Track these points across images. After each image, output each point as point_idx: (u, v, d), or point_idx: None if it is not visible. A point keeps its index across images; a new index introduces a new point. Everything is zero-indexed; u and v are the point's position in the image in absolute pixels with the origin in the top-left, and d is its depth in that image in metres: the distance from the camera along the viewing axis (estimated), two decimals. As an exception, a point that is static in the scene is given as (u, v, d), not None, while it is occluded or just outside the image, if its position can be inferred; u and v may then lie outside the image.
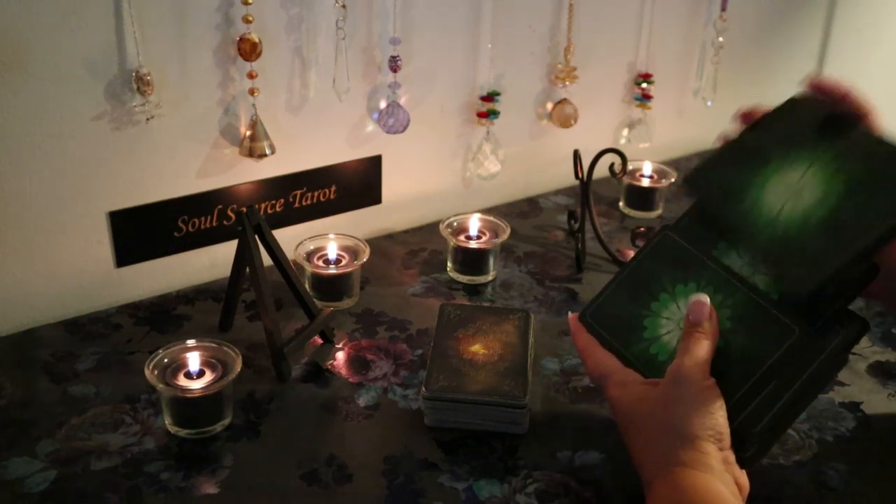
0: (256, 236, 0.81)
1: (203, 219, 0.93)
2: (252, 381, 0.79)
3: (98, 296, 0.90)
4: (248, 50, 0.86)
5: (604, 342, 0.69)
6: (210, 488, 0.67)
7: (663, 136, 1.31)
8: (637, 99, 1.24)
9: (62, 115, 0.81)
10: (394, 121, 0.99)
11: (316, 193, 1.01)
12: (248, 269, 0.82)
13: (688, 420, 0.59)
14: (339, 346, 0.86)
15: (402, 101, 1.00)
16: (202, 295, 0.93)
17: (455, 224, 1.00)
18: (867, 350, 0.87)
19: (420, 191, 1.11)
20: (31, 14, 0.76)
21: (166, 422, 0.73)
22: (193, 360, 0.74)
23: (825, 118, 0.66)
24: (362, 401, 0.78)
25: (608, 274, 0.98)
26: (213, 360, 0.75)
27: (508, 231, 0.99)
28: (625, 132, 1.26)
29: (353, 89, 0.97)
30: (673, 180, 1.15)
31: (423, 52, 1.02)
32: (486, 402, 0.73)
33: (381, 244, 1.05)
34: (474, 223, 1.00)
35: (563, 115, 1.15)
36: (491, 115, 1.09)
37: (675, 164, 1.24)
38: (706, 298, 0.64)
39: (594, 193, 1.05)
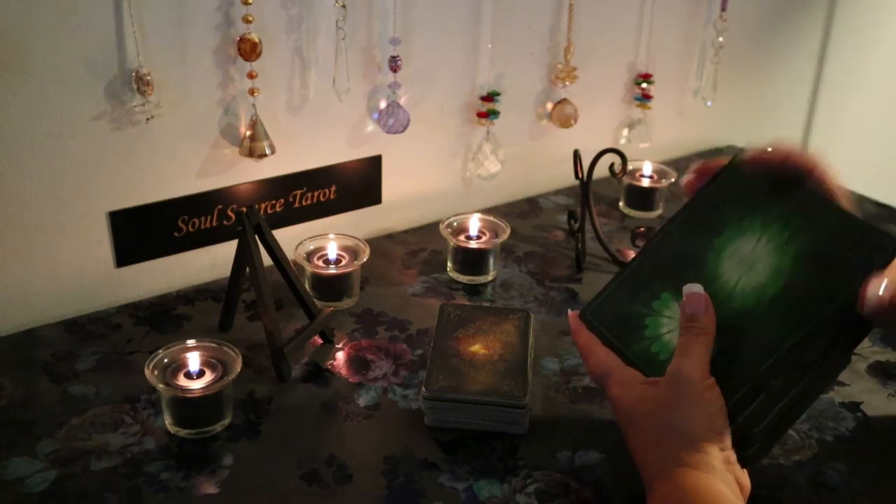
0: (256, 236, 0.81)
1: (203, 219, 0.93)
2: (252, 381, 0.79)
3: (98, 296, 0.90)
4: (248, 50, 0.86)
5: (604, 340, 0.68)
6: (210, 488, 0.67)
7: (663, 136, 1.31)
8: (637, 99, 1.24)
9: (62, 115, 0.81)
10: (394, 121, 0.99)
11: (316, 193, 1.01)
12: (248, 269, 0.82)
13: (688, 420, 0.59)
14: (339, 346, 0.86)
15: (402, 101, 1.00)
16: (202, 295, 0.93)
17: (455, 224, 1.00)
18: (867, 350, 0.87)
19: (420, 191, 1.11)
20: (31, 14, 0.76)
21: (166, 422, 0.73)
22: (193, 360, 0.74)
23: (770, 182, 0.66)
24: (362, 401, 0.78)
25: (608, 274, 0.98)
26: (213, 360, 0.75)
27: (508, 231, 0.99)
28: (625, 132, 1.26)
29: (353, 89, 0.97)
30: (673, 180, 1.15)
31: (423, 52, 1.02)
32: (486, 402, 0.73)
33: (381, 244, 1.05)
34: (474, 223, 1.00)
35: (563, 115, 1.15)
36: (491, 115, 1.09)
37: (675, 164, 1.24)
38: (700, 289, 0.63)
39: (594, 193, 1.05)
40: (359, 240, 0.95)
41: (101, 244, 0.89)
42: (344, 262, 0.93)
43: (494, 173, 1.13)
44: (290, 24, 0.91)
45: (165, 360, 0.74)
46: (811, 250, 0.62)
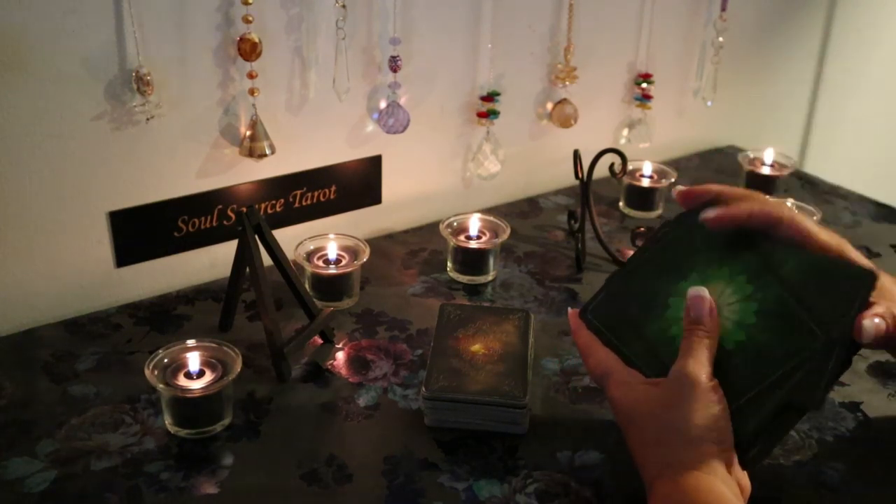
0: (256, 236, 0.81)
1: (203, 219, 0.93)
2: (252, 381, 0.79)
3: (98, 296, 0.90)
4: (248, 50, 0.86)
5: (604, 340, 0.68)
6: (210, 488, 0.67)
7: (663, 136, 1.31)
8: (637, 99, 1.24)
9: (62, 115, 0.81)
10: (394, 121, 0.99)
11: (316, 193, 1.01)
12: (248, 269, 0.82)
13: (690, 421, 0.59)
14: (339, 346, 0.86)
15: (402, 101, 1.00)
16: (202, 295, 0.93)
17: (455, 224, 1.00)
18: (867, 350, 0.87)
19: (420, 191, 1.11)
20: (31, 14, 0.76)
21: (166, 422, 0.73)
22: (193, 360, 0.74)
23: (735, 235, 0.66)
24: (362, 401, 0.78)
25: (608, 274, 0.98)
26: (213, 360, 0.75)
27: (508, 231, 0.99)
28: (625, 132, 1.26)
29: (353, 89, 0.97)
30: (673, 180, 1.15)
31: (423, 52, 1.02)
32: (486, 402, 0.73)
33: (381, 244, 1.05)
34: (474, 223, 1.00)
35: (563, 115, 1.15)
36: (491, 115, 1.09)
37: (675, 164, 1.24)
38: (705, 292, 0.63)
39: (594, 193, 1.05)
40: (359, 240, 0.95)
41: (101, 244, 0.89)
42: (344, 262, 0.93)
43: (494, 173, 1.13)
44: (290, 24, 0.91)
45: (165, 360, 0.74)
46: (775, 309, 0.62)
